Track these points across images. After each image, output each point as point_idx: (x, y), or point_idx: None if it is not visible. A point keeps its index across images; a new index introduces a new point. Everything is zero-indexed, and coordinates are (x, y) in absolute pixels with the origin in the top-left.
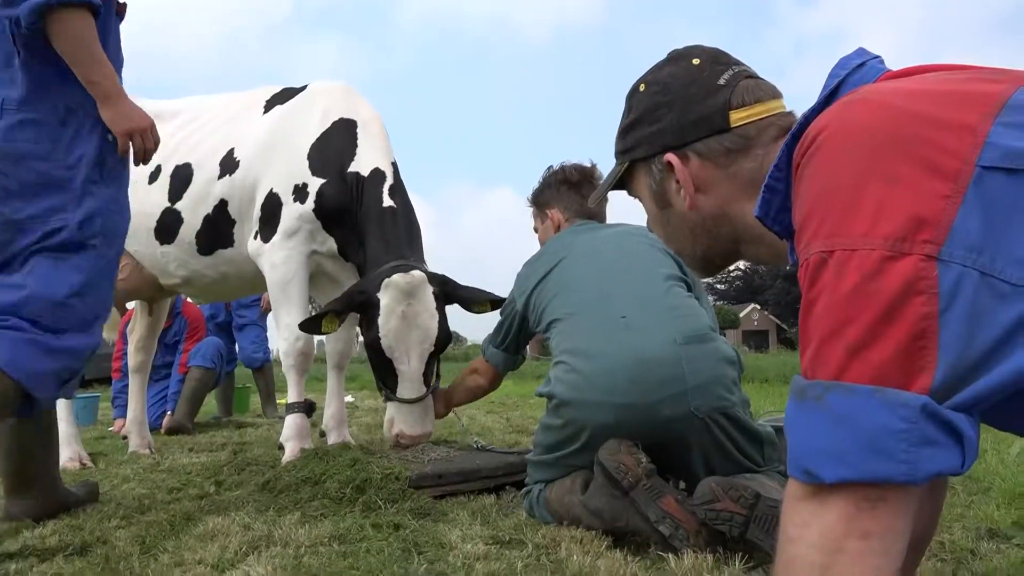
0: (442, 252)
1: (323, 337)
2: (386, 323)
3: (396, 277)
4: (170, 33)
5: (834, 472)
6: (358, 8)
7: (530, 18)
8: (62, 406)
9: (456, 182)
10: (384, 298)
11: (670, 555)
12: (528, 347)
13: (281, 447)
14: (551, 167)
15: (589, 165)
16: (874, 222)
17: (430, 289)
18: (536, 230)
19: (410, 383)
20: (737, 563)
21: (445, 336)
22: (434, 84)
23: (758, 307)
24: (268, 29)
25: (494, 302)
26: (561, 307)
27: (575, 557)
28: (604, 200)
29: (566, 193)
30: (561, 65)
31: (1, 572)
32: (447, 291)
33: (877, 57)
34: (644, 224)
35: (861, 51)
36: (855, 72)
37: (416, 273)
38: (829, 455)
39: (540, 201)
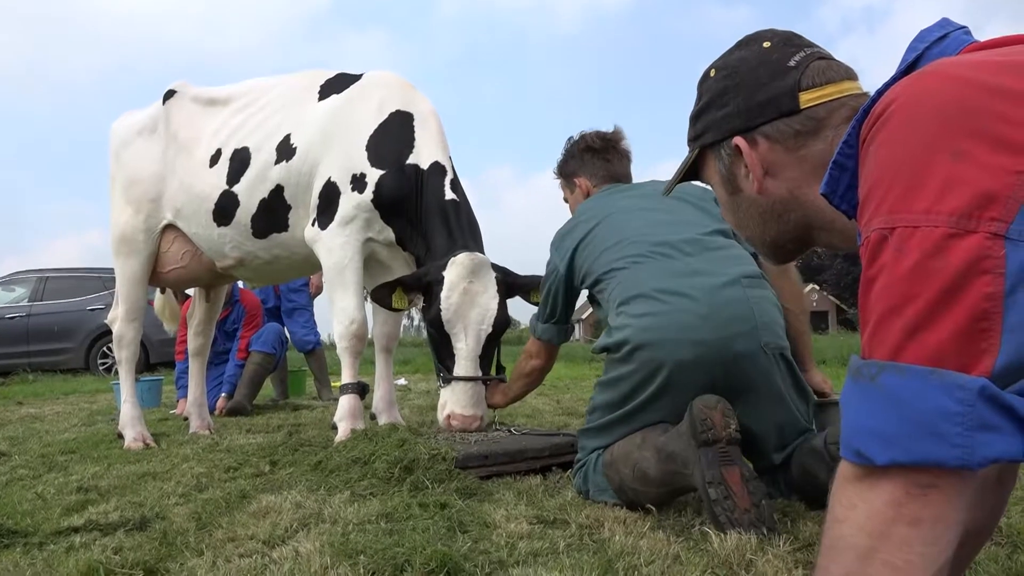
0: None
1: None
2: (448, 298)
3: (461, 255)
4: (220, 33)
5: (885, 454)
6: (398, 1)
7: (568, 6)
8: (126, 388)
9: (499, 166)
10: (448, 274)
11: (713, 535)
12: (580, 330)
13: (334, 427)
14: (571, 137)
15: (612, 130)
16: (938, 198)
17: (492, 273)
18: (566, 200)
19: (466, 362)
20: (782, 545)
21: (503, 319)
22: (476, 73)
23: (817, 287)
24: (311, 24)
25: None
26: (618, 259)
27: (618, 537)
28: (628, 161)
29: (590, 160)
30: (599, 50)
31: (66, 544)
32: (508, 281)
33: (962, 28)
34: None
35: (944, 22)
36: (936, 45)
37: (480, 255)
38: (880, 437)
39: (566, 171)
